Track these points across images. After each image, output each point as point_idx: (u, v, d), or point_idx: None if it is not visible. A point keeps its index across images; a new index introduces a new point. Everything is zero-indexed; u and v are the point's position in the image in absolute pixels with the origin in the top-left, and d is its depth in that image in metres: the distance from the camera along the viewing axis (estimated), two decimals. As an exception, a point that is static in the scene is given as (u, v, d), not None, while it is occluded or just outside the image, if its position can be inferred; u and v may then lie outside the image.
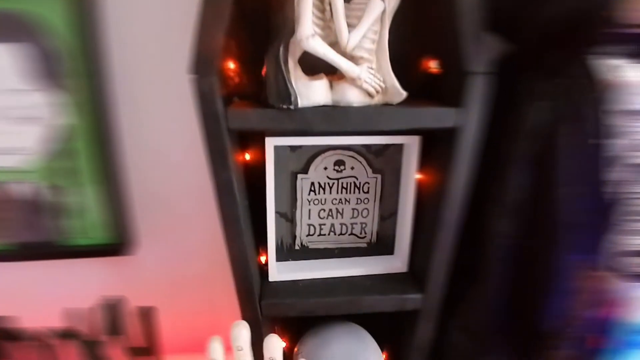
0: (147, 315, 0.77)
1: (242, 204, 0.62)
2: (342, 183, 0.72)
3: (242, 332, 0.56)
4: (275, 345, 0.56)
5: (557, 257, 0.67)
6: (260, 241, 0.72)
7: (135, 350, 0.78)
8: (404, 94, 0.60)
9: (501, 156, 0.69)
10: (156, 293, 0.87)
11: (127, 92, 0.80)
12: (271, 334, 0.58)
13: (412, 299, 0.70)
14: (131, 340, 0.78)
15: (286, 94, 0.55)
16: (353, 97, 0.59)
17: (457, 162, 0.61)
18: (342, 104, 0.60)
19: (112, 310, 0.76)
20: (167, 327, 0.84)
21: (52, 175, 0.82)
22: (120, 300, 0.78)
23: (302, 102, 0.57)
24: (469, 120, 0.59)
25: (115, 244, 0.86)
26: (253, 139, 0.70)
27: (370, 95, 0.60)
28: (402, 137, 0.68)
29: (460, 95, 0.59)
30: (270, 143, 0.65)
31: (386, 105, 0.61)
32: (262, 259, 0.75)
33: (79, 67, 0.76)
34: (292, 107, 0.55)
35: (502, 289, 0.72)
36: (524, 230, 0.68)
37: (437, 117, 0.59)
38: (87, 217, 0.85)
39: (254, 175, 0.69)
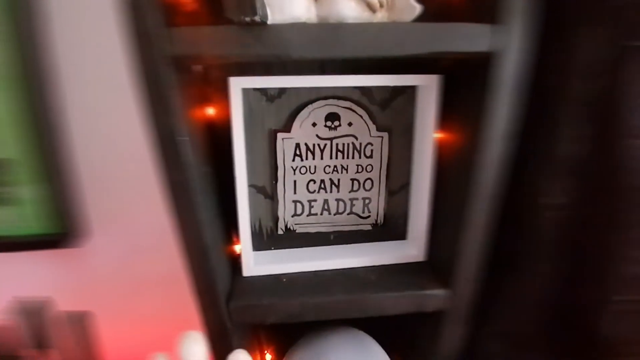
0: (81, 322, 0.60)
1: (196, 169, 0.44)
2: (336, 145, 0.55)
3: (192, 349, 0.39)
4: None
5: (625, 234, 0.49)
6: (235, 226, 0.54)
7: (69, 369, 0.60)
8: (417, 7, 0.43)
9: (549, 99, 0.51)
10: (107, 293, 0.70)
11: (70, 54, 0.63)
12: (237, 350, 0.41)
13: (434, 297, 0.52)
14: (64, 356, 0.61)
15: (249, 2, 0.38)
16: (347, 9, 0.42)
17: (493, 106, 0.44)
18: (331, 21, 0.42)
19: (35, 317, 0.59)
20: (120, 337, 0.66)
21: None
22: (45, 303, 0.60)
23: (274, 17, 0.39)
24: (509, 42, 0.42)
25: (58, 234, 0.69)
26: (217, 88, 0.52)
27: (371, 8, 0.42)
28: (415, 77, 0.50)
29: (498, 7, 0.41)
30: (237, 85, 0.47)
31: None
32: (238, 248, 0.58)
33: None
34: (257, 19, 0.38)
35: (552, 280, 0.55)
36: (581, 198, 0.51)
37: (465, 37, 0.42)
38: (23, 201, 0.68)
39: (222, 139, 0.51)
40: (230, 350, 0.47)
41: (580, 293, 0.54)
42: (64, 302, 0.67)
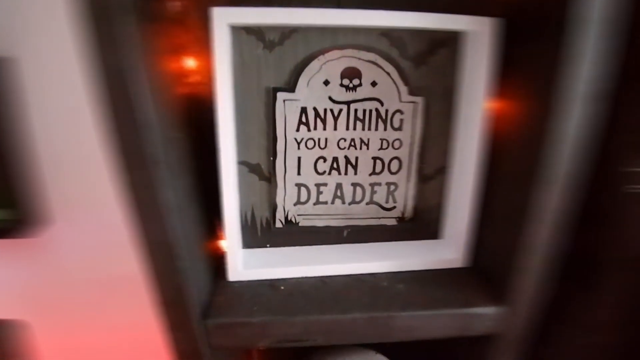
0: (12, 333, 0.47)
1: (159, 132, 0.31)
2: (355, 111, 0.41)
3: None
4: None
5: None
6: (220, 215, 0.41)
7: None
8: None
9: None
10: (62, 296, 0.57)
11: (29, 36, 0.52)
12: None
13: (483, 317, 0.39)
14: None
15: None
16: None
17: (572, 58, 0.30)
18: None
19: None
20: (72, 352, 0.53)
21: None
22: None
23: None
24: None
25: (10, 221, 0.57)
26: (201, 36, 0.38)
27: None
28: (464, 18, 0.37)
29: None
30: (222, 19, 0.34)
31: None
32: (225, 244, 0.44)
33: None
34: None
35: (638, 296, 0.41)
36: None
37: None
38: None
39: (207, 102, 0.38)
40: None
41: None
42: (8, 305, 0.55)
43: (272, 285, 0.41)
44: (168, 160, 0.33)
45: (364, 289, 0.41)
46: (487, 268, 0.42)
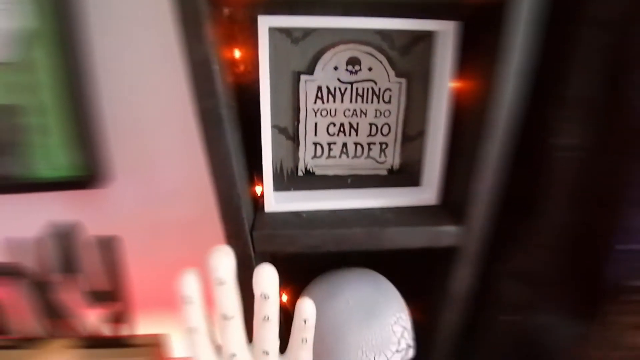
0: (109, 246, 0.62)
1: (225, 99, 0.47)
2: (357, 89, 0.57)
3: (223, 261, 0.41)
4: (267, 277, 0.41)
5: (629, 178, 0.51)
6: (255, 168, 0.57)
7: (96, 295, 0.63)
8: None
9: (562, 45, 0.52)
10: (129, 235, 0.73)
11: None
12: (263, 264, 0.43)
13: (447, 233, 0.55)
14: (91, 281, 0.64)
15: None
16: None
17: (507, 46, 0.45)
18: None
19: (66, 240, 0.61)
20: (141, 278, 0.70)
21: (7, 91, 0.68)
22: (75, 226, 0.62)
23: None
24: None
25: (83, 176, 0.72)
26: (242, 31, 0.54)
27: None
28: (434, 22, 0.52)
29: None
30: (264, 24, 0.49)
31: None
32: (259, 190, 0.61)
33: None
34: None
35: (565, 223, 0.56)
36: (593, 141, 0.52)
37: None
38: (50, 143, 0.71)
39: (244, 83, 0.53)
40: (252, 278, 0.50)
41: (593, 238, 0.56)
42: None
43: (296, 214, 0.57)
44: (230, 119, 0.48)
45: (362, 216, 0.56)
46: (451, 202, 0.58)
